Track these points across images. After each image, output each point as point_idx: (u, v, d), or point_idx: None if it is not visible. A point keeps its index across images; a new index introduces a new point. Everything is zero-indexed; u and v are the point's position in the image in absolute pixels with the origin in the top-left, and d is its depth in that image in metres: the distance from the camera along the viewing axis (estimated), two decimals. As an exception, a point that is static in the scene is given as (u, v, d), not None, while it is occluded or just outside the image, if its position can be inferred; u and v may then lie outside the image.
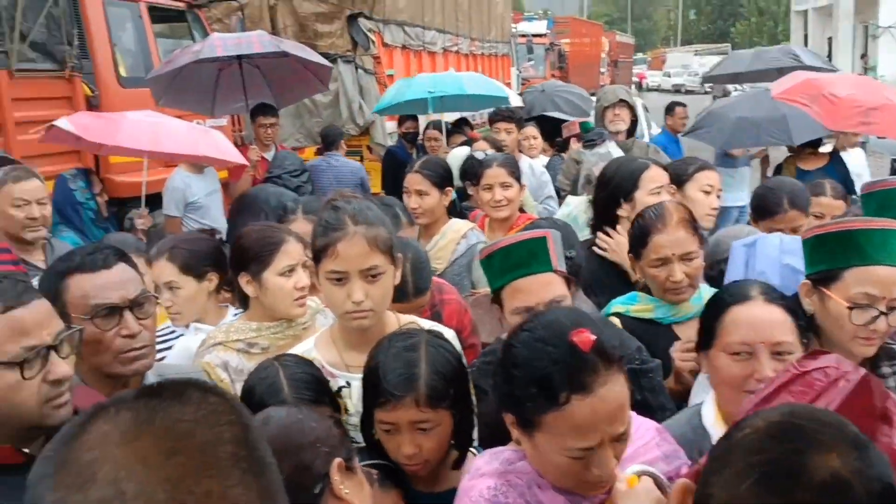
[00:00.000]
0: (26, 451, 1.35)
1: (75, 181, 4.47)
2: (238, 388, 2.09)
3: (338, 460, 1.29)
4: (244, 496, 0.65)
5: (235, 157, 4.71)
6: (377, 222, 1.82)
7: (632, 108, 4.75)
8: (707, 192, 2.84)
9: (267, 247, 2.17)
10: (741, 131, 5.69)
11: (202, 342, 2.20)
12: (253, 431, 0.69)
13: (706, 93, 26.33)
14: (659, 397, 1.93)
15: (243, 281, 2.20)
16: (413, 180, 3.15)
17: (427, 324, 1.98)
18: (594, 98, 6.65)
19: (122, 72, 6.16)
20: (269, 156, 5.89)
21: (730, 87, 17.10)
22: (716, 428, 1.56)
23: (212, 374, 2.09)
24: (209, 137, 4.58)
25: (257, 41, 5.54)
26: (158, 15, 6.81)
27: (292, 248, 2.18)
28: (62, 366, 1.37)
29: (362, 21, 8.56)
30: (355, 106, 8.59)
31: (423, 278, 2.36)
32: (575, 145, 6.14)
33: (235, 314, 2.43)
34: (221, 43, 5.40)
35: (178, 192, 5.16)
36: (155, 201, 5.06)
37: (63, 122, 4.17)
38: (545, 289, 1.84)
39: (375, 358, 1.62)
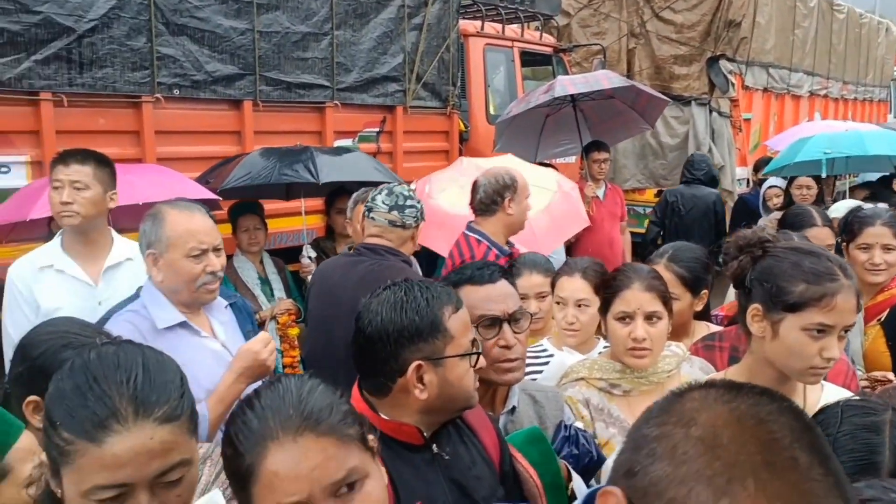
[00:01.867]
0: (425, 434, 1.54)
1: None
2: (598, 428, 2.13)
3: None
4: (820, 484, 0.71)
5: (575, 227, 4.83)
6: None
7: None
8: None
9: (610, 289, 2.16)
10: None
11: (565, 373, 2.28)
12: (821, 438, 0.76)
13: None
14: None
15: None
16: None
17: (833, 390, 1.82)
18: None
19: (491, 110, 6.76)
20: (600, 192, 5.95)
21: None
22: None
23: (573, 409, 2.15)
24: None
25: (604, 78, 5.66)
26: (527, 59, 7.35)
27: (631, 295, 2.09)
28: (483, 359, 1.57)
29: (723, 63, 8.27)
30: (704, 149, 8.31)
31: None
32: None
33: (605, 346, 2.48)
34: (570, 82, 5.61)
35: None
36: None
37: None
38: None
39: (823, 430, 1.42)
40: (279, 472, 1.02)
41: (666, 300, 2.13)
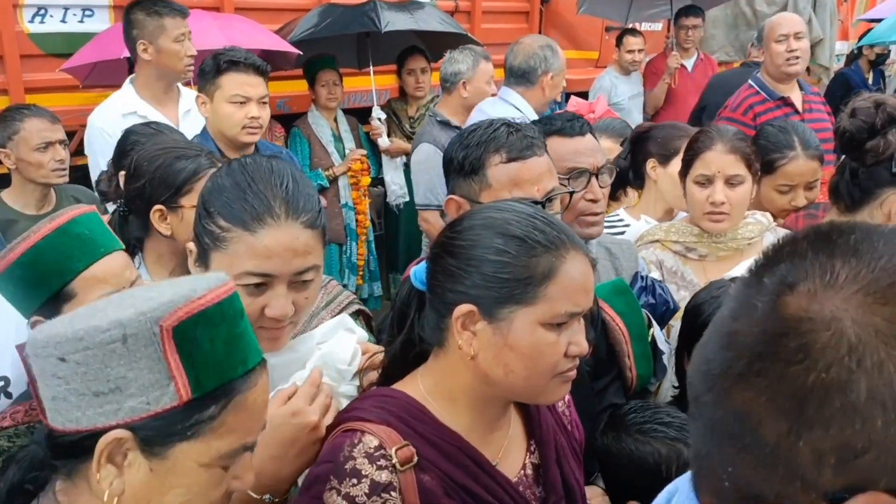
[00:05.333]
0: None
1: None
2: (671, 290, 2.13)
3: None
4: None
5: None
6: None
7: None
8: None
9: (691, 151, 2.12)
10: None
11: (641, 235, 2.26)
12: None
13: None
14: None
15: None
16: None
17: None
18: None
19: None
20: (688, 63, 5.60)
21: None
22: None
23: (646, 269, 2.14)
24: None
25: None
26: None
27: (713, 157, 2.05)
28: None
29: (836, -78, 7.49)
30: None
31: None
32: None
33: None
34: None
35: (605, 91, 5.33)
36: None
37: None
38: None
39: None
40: None
41: (750, 163, 2.05)
